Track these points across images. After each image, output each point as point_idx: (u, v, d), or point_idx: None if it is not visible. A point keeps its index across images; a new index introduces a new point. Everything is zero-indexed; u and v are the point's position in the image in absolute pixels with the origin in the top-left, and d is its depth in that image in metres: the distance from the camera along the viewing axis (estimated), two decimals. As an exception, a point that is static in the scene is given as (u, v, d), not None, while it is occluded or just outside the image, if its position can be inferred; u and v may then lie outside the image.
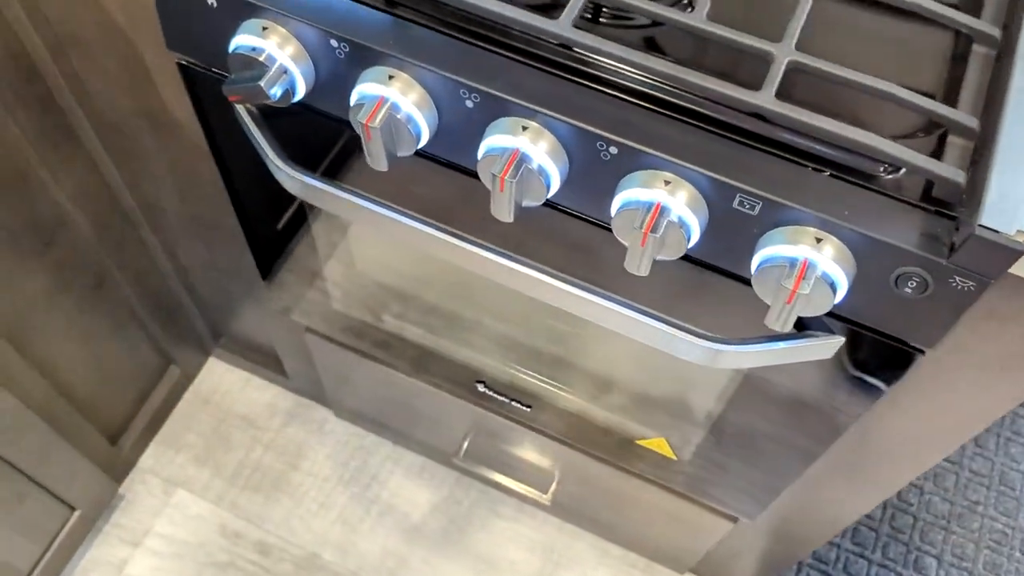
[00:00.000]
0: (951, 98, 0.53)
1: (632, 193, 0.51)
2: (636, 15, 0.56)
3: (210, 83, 0.64)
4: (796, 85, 0.53)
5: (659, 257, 0.53)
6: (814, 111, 0.51)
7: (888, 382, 0.59)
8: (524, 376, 0.86)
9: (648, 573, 1.26)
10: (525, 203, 0.55)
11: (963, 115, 0.50)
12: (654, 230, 0.50)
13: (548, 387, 0.85)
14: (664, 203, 0.51)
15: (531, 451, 1.06)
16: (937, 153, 0.51)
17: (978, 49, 0.55)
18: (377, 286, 0.85)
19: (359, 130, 0.54)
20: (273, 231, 0.88)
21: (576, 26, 0.52)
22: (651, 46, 0.56)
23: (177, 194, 0.94)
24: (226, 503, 1.28)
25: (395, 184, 0.66)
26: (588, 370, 0.79)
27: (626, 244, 0.52)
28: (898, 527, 1.31)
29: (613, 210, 0.53)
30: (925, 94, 0.54)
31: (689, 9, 0.56)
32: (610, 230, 0.54)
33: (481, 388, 0.90)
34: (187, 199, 0.94)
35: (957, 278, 0.48)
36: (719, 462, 0.81)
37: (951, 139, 0.51)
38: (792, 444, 0.72)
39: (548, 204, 0.57)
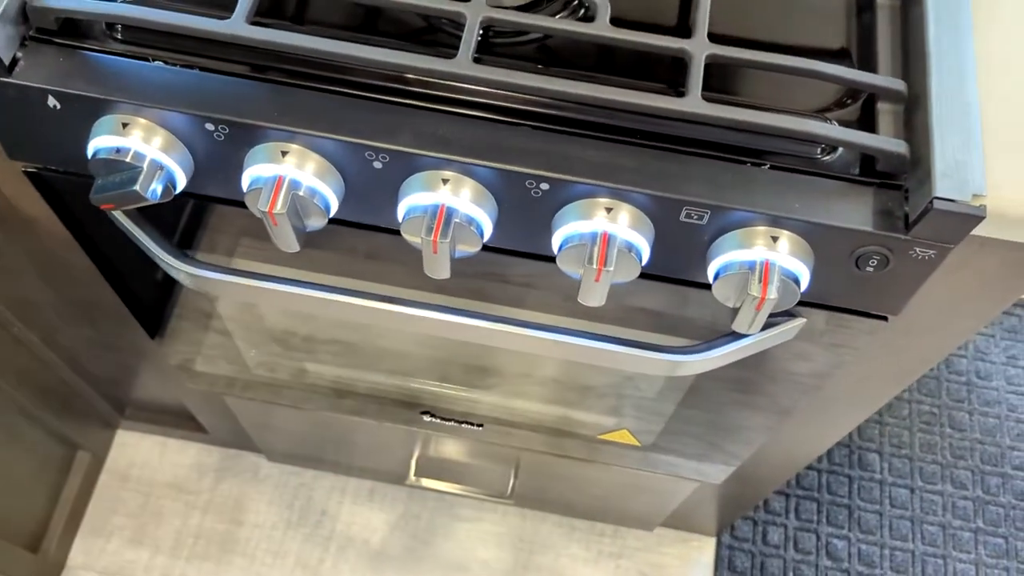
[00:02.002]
0: (867, 58, 0.52)
1: (573, 227, 0.48)
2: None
3: (68, 184, 0.56)
4: (709, 76, 0.50)
5: (616, 281, 0.50)
6: (734, 99, 0.49)
7: (854, 344, 0.59)
8: (469, 396, 0.82)
9: (617, 537, 1.26)
10: (458, 254, 0.51)
11: (889, 80, 0.48)
12: (607, 264, 0.47)
13: (496, 403, 0.82)
14: (611, 232, 0.47)
15: (485, 459, 1.03)
16: (868, 120, 0.49)
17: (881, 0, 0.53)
18: (294, 335, 0.80)
19: (261, 216, 0.48)
20: (154, 287, 0.80)
21: (474, 59, 0.47)
22: (550, 58, 0.52)
23: (47, 286, 0.85)
24: (174, 579, 1.21)
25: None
26: (536, 378, 0.77)
27: (575, 278, 0.49)
28: (837, 432, 1.36)
29: (555, 246, 0.49)
30: (839, 55, 0.52)
31: (582, 11, 0.52)
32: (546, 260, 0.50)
33: (427, 418, 0.86)
34: (59, 288, 0.85)
35: (917, 249, 0.47)
36: (683, 440, 0.80)
37: (881, 106, 0.49)
38: (759, 411, 0.71)
39: (484, 248, 0.53)
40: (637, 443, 0.81)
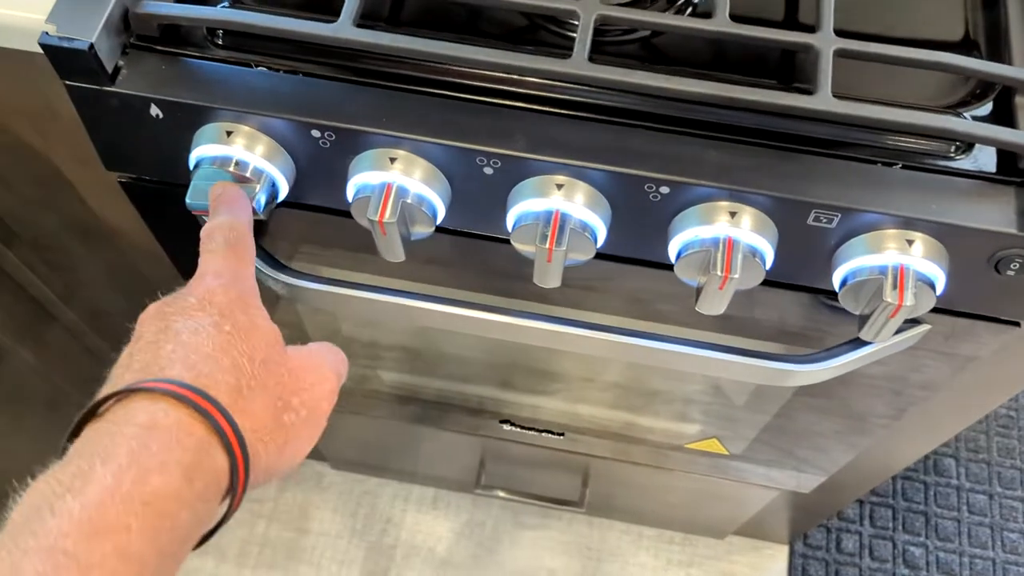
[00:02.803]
0: (997, 49, 0.49)
1: (694, 232, 0.46)
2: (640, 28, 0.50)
3: (162, 194, 0.55)
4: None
5: (569, 261, 0.48)
6: (858, 96, 0.47)
7: (976, 353, 0.56)
8: (550, 405, 0.80)
9: (687, 545, 1.24)
10: (570, 262, 0.49)
11: (1028, 71, 0.45)
12: (732, 270, 0.44)
13: (579, 412, 0.80)
14: (735, 237, 0.45)
15: (555, 467, 1.01)
16: (1004, 116, 0.46)
17: (1010, -12, 0.50)
18: (366, 344, 0.78)
19: (368, 226, 0.47)
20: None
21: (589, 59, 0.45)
22: (656, 56, 0.50)
23: (121, 296, 0.84)
24: (240, 587, 1.20)
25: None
26: (622, 386, 0.74)
27: (699, 285, 0.47)
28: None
29: (672, 252, 0.47)
30: (967, 47, 0.50)
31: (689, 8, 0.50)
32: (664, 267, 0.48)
33: (507, 427, 0.84)
34: (132, 298, 0.84)
35: (1064, 251, 0.44)
36: (775, 451, 0.77)
37: (1019, 99, 0.46)
38: (859, 423, 0.68)
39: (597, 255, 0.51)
40: (726, 452, 0.79)
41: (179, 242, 0.61)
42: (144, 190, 0.55)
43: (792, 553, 1.23)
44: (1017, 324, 0.51)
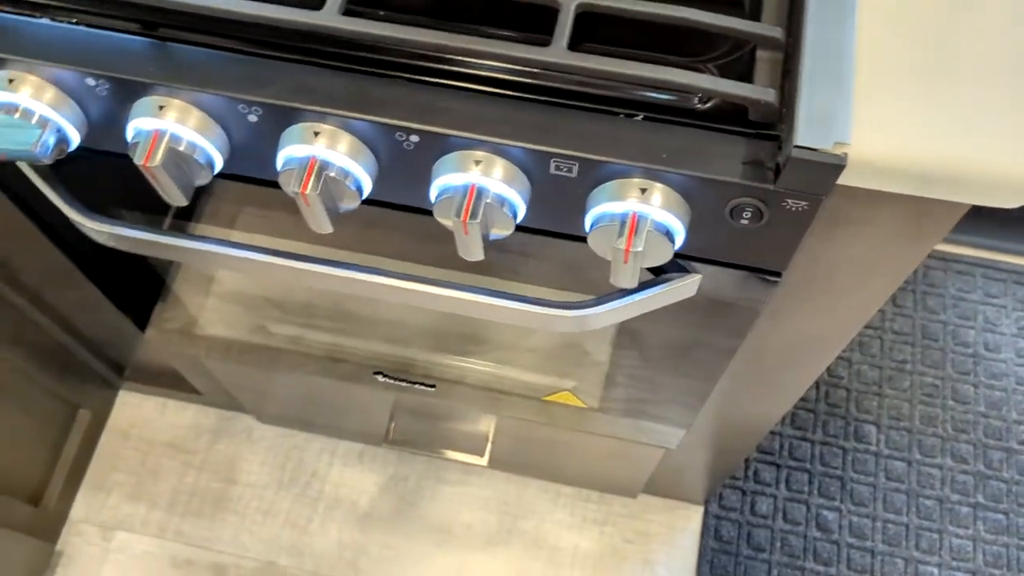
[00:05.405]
0: (756, 8, 0.50)
1: (446, 179, 0.48)
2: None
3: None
4: (598, 25, 0.49)
5: (492, 236, 0.50)
6: (620, 49, 0.48)
7: (760, 304, 0.58)
8: (420, 357, 0.83)
9: (603, 503, 1.26)
10: (342, 208, 0.51)
11: (765, 27, 0.47)
12: (473, 215, 0.47)
13: (445, 363, 0.82)
14: (479, 184, 0.47)
15: (457, 420, 1.04)
16: (747, 71, 0.48)
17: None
18: (254, 300, 0.81)
19: (143, 171, 0.49)
20: (131, 269, 0.83)
21: (346, 13, 0.47)
22: (423, 8, 0.52)
23: (17, 249, 0.88)
24: (170, 533, 1.25)
25: (255, 203, 0.62)
26: (478, 338, 0.77)
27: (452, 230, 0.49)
28: (833, 402, 1.33)
29: (432, 199, 0.49)
30: (731, 3, 0.51)
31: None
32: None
33: (381, 379, 0.87)
34: (27, 252, 0.88)
35: (789, 200, 0.46)
36: (628, 400, 0.79)
37: (760, 54, 0.48)
38: (687, 376, 0.70)
39: (371, 202, 0.54)
40: (582, 404, 0.81)
41: (12, 185, 0.65)
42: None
43: (706, 514, 1.25)
44: (778, 275, 0.53)
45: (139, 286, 0.90)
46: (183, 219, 0.68)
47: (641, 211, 0.46)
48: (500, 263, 0.61)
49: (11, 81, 0.49)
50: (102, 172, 0.60)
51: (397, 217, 0.56)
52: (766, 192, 0.45)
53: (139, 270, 0.83)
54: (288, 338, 0.88)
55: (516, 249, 0.59)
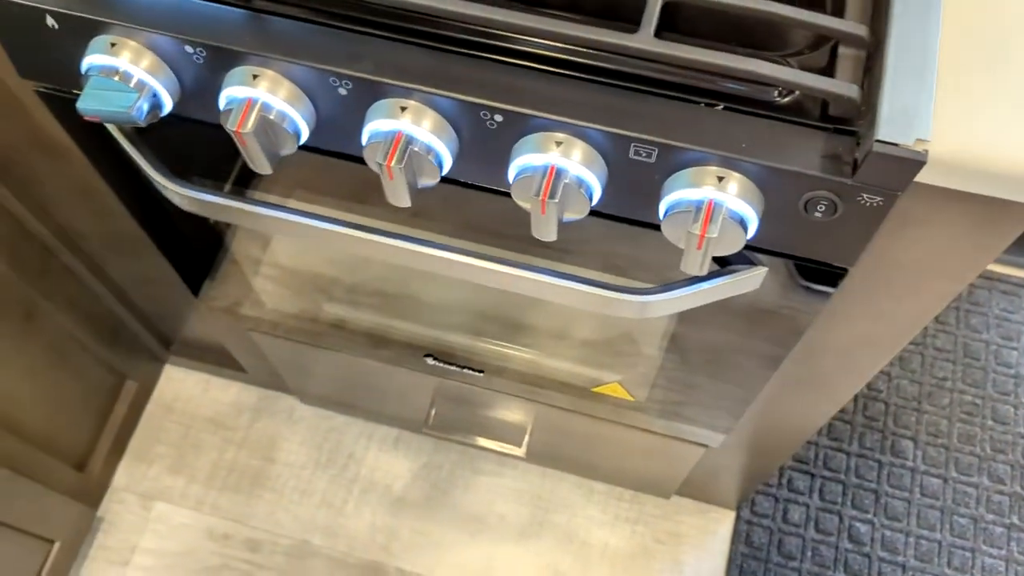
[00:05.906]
0: (840, 5, 0.51)
1: (526, 159, 0.49)
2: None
3: (68, 103, 0.60)
4: (679, 16, 0.50)
5: (566, 219, 0.51)
6: (700, 40, 0.49)
7: (824, 297, 0.58)
8: (470, 342, 0.84)
9: (636, 503, 1.27)
10: (421, 184, 0.52)
11: (850, 24, 0.48)
12: (551, 195, 0.48)
13: (495, 349, 0.84)
14: (559, 165, 0.48)
15: (498, 409, 1.05)
16: (830, 67, 0.49)
17: (860, -51, 0.52)
18: (309, 277, 0.83)
19: (233, 137, 0.51)
20: (194, 240, 0.85)
21: (438, -8, 0.49)
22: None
23: (88, 214, 0.90)
24: (208, 507, 1.27)
25: (312, 180, 0.64)
26: (530, 327, 0.78)
27: (528, 211, 0.50)
28: (871, 415, 1.33)
29: (511, 178, 0.51)
30: (814, 3, 0.52)
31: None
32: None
33: (431, 361, 0.88)
34: (97, 218, 0.90)
35: (864, 195, 0.46)
36: (674, 398, 0.80)
37: (842, 51, 0.49)
38: (745, 364, 0.71)
39: (446, 180, 0.55)
40: (631, 398, 0.82)
41: (96, 149, 0.67)
42: (58, 99, 0.60)
43: (738, 519, 1.26)
44: (844, 271, 0.54)
45: (197, 257, 0.92)
46: (241, 188, 0.70)
47: (718, 198, 0.47)
48: (556, 245, 0.62)
49: (113, 45, 0.51)
50: (173, 141, 0.62)
51: (460, 195, 0.57)
52: (843, 186, 0.46)
53: (198, 241, 0.86)
54: (339, 317, 0.89)
55: (576, 235, 0.60)
